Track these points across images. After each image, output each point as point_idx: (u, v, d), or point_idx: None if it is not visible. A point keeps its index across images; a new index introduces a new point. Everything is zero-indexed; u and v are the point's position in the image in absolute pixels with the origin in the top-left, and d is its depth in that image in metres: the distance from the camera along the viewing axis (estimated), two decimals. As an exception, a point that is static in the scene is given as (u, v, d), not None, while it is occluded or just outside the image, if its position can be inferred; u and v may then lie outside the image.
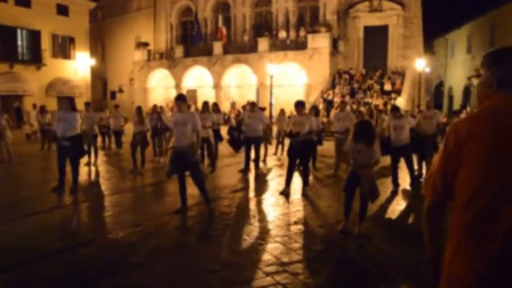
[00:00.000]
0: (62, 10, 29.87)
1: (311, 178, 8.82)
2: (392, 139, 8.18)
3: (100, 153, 13.77)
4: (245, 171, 10.23)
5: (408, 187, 8.43)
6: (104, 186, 8.74)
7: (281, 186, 8.41)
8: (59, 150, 7.79)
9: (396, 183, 8.17)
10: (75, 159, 7.82)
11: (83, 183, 9.07)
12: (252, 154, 10.33)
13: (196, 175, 6.30)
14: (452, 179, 1.57)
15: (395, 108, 8.62)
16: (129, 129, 14.70)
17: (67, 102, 7.86)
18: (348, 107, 12.03)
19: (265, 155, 12.03)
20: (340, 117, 10.31)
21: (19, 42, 27.62)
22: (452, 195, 1.59)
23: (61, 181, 7.84)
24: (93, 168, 10.86)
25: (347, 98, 22.87)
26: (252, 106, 10.69)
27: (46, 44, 28.81)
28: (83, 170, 10.45)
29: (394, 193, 7.90)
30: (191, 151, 6.20)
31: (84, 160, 11.08)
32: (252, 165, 10.37)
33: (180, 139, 6.23)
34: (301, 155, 7.95)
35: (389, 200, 7.55)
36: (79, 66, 31.24)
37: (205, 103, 10.76)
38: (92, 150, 11.41)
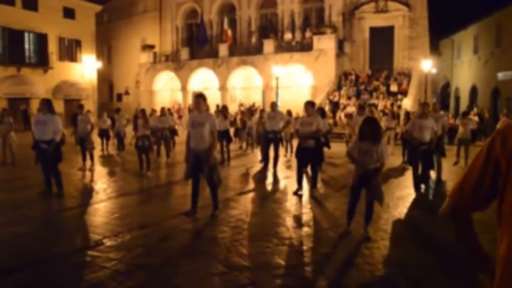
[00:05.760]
0: (69, 14, 30.10)
1: (318, 180, 8.77)
2: (415, 140, 8.00)
3: (100, 156, 13.81)
4: (265, 167, 10.99)
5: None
6: (110, 188, 8.75)
7: (289, 188, 8.42)
8: (39, 154, 7.58)
9: (416, 187, 8.05)
10: (54, 163, 7.57)
11: (88, 186, 9.11)
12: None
13: (212, 179, 6.18)
14: (488, 191, 1.43)
15: (425, 104, 8.47)
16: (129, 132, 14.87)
17: (45, 105, 7.59)
18: (366, 110, 12.14)
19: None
20: (360, 120, 10.33)
21: (26, 46, 27.88)
22: (479, 207, 1.49)
23: (48, 185, 7.67)
24: (94, 171, 10.79)
25: (354, 100, 22.82)
26: (273, 106, 11.33)
27: (53, 47, 29.05)
28: (79, 174, 10.49)
29: (414, 199, 7.77)
30: (209, 154, 6.05)
31: (79, 164, 11.06)
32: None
33: (197, 141, 6.07)
34: (311, 158, 7.93)
35: (396, 204, 7.50)
36: (85, 69, 31.44)
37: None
38: (87, 154, 11.14)
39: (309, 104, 7.94)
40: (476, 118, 19.62)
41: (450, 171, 10.71)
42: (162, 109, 13.70)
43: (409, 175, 8.74)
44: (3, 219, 6.16)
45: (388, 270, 4.45)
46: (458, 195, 1.53)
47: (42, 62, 28.52)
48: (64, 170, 8.11)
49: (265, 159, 11.18)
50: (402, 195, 8.01)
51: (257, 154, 13.83)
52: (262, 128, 12.03)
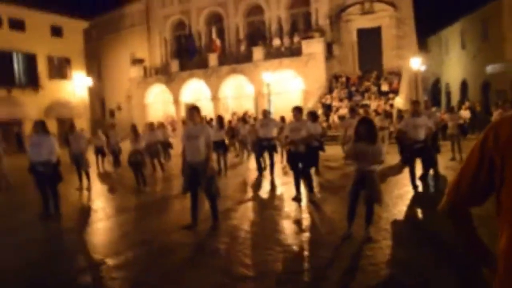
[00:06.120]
0: (56, 31, 30.01)
1: (315, 184, 8.77)
2: (410, 139, 8.00)
3: (96, 174, 13.71)
4: (260, 175, 10.99)
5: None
6: (109, 206, 8.70)
7: (287, 194, 8.42)
8: (36, 176, 7.42)
9: (414, 185, 8.10)
10: (53, 184, 7.48)
11: (86, 206, 9.04)
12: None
13: (210, 190, 6.12)
14: (484, 186, 1.43)
15: (416, 102, 8.48)
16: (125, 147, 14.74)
17: (39, 126, 7.49)
18: (361, 111, 12.21)
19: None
20: (353, 123, 10.35)
21: (16, 66, 27.68)
22: (476, 202, 1.49)
23: (47, 207, 7.53)
24: (92, 190, 10.69)
25: (346, 102, 22.91)
26: (265, 113, 11.46)
27: (42, 66, 28.91)
28: (77, 194, 10.41)
29: (413, 196, 7.81)
30: (206, 166, 5.99)
31: (75, 183, 10.90)
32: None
33: (193, 153, 6.02)
34: (301, 162, 7.91)
35: (396, 202, 7.51)
36: (76, 87, 31.28)
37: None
38: (83, 173, 10.97)
39: (297, 110, 7.94)
40: (467, 112, 19.73)
41: (446, 167, 10.76)
42: (151, 124, 13.85)
43: (406, 173, 8.76)
44: (1, 244, 6.10)
45: (392, 269, 4.44)
46: (455, 192, 1.53)
47: (32, 82, 28.35)
48: (61, 191, 8.03)
49: (259, 167, 11.15)
50: (401, 193, 8.02)
51: (253, 162, 13.81)
52: (255, 136, 12.02)
